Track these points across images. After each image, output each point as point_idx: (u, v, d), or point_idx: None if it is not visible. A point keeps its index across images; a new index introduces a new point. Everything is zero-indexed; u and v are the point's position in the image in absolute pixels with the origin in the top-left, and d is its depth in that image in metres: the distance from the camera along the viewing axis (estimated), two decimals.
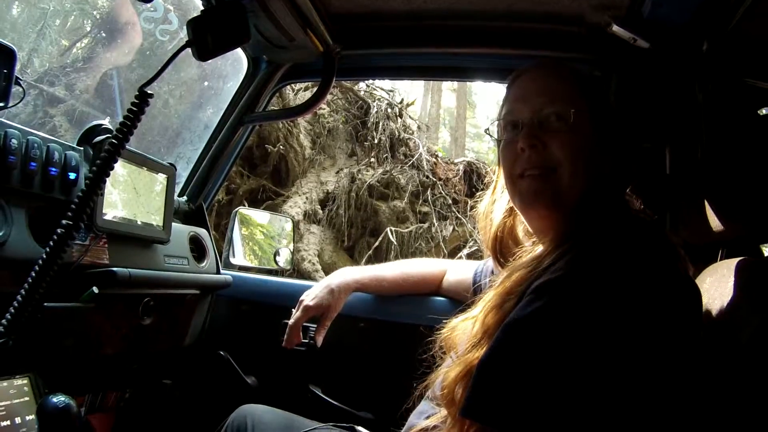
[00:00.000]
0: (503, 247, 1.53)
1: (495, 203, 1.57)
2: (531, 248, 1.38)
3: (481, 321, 1.24)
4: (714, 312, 1.32)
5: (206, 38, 1.42)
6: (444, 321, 1.51)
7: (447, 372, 1.25)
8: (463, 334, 1.38)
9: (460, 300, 1.91)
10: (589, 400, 0.96)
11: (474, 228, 8.52)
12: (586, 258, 1.10)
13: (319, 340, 2.07)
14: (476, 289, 1.87)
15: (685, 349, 1.07)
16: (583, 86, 1.39)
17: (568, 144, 1.31)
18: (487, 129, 1.53)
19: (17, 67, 1.53)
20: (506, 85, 1.49)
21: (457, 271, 2.14)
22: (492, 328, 1.18)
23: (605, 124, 1.37)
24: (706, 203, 1.48)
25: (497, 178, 1.55)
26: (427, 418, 1.43)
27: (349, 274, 2.14)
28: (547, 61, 1.52)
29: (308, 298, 2.06)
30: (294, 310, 2.06)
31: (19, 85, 1.55)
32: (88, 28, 8.48)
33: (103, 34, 8.13)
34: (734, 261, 1.38)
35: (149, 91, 1.41)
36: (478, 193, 1.66)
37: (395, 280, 2.18)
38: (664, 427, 1.02)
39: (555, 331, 1.01)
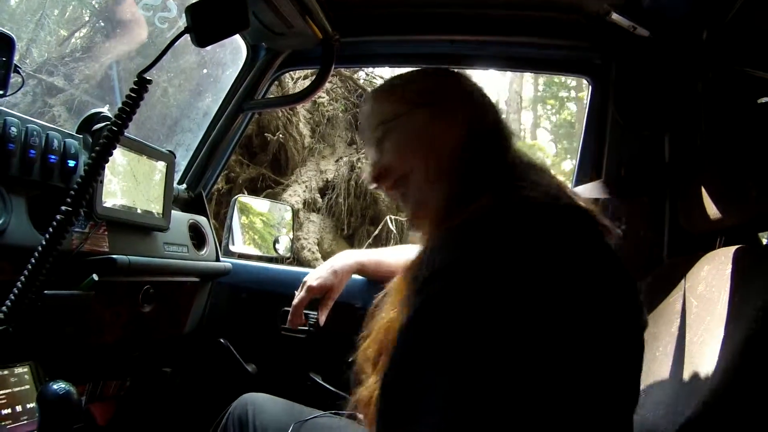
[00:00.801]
0: None
1: None
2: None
3: (375, 340, 1.23)
4: (712, 299, 1.32)
5: (205, 24, 1.42)
6: None
7: (359, 393, 1.23)
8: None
9: None
10: (489, 391, 0.85)
11: None
12: (462, 242, 1.02)
13: (322, 319, 2.07)
14: None
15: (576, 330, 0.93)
16: (398, 92, 1.36)
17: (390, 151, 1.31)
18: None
19: (16, 56, 1.53)
20: None
21: None
22: (389, 344, 1.14)
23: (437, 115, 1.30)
24: (704, 191, 1.48)
25: None
26: None
27: (352, 256, 2.15)
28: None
29: (311, 279, 2.07)
30: (297, 291, 2.07)
31: (18, 73, 1.54)
32: (87, 18, 8.46)
33: (102, 24, 8.10)
34: (732, 249, 1.38)
35: (148, 77, 1.41)
36: None
37: (394, 265, 2.18)
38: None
39: (442, 324, 0.93)
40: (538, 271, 0.93)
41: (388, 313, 1.20)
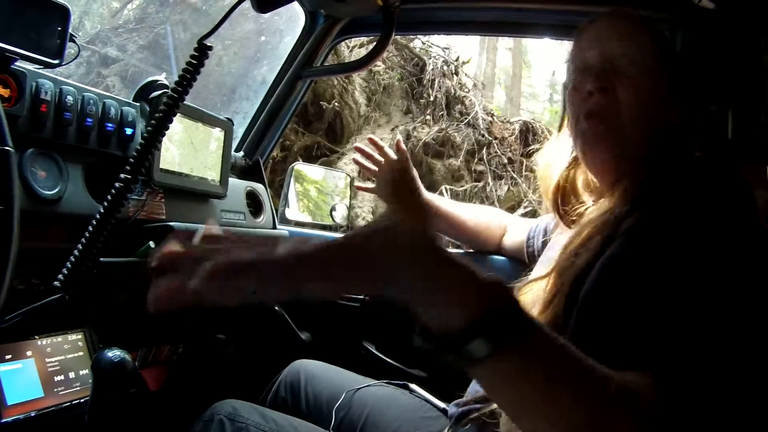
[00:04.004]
0: (564, 199, 1.48)
1: (558, 153, 1.52)
2: (598, 204, 1.34)
3: (555, 279, 1.20)
4: None
5: None
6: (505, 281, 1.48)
7: None
8: (529, 296, 1.34)
9: (518, 259, 1.91)
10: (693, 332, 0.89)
11: (529, 188, 8.45)
12: (672, 201, 1.04)
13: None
14: (528, 251, 1.87)
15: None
16: (655, 35, 1.33)
17: (638, 88, 1.26)
18: (555, 72, 1.49)
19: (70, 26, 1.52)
20: (578, 31, 1.42)
21: (516, 229, 2.09)
22: (566, 286, 1.13)
23: (675, 74, 1.31)
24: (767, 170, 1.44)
25: (561, 127, 1.51)
26: None
27: None
28: (620, 10, 1.45)
29: None
30: None
31: (74, 42, 1.54)
32: None
33: None
34: None
35: (208, 44, 1.39)
36: (533, 147, 1.63)
37: (463, 212, 2.15)
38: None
39: (655, 265, 0.96)
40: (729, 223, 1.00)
41: (566, 258, 1.19)
